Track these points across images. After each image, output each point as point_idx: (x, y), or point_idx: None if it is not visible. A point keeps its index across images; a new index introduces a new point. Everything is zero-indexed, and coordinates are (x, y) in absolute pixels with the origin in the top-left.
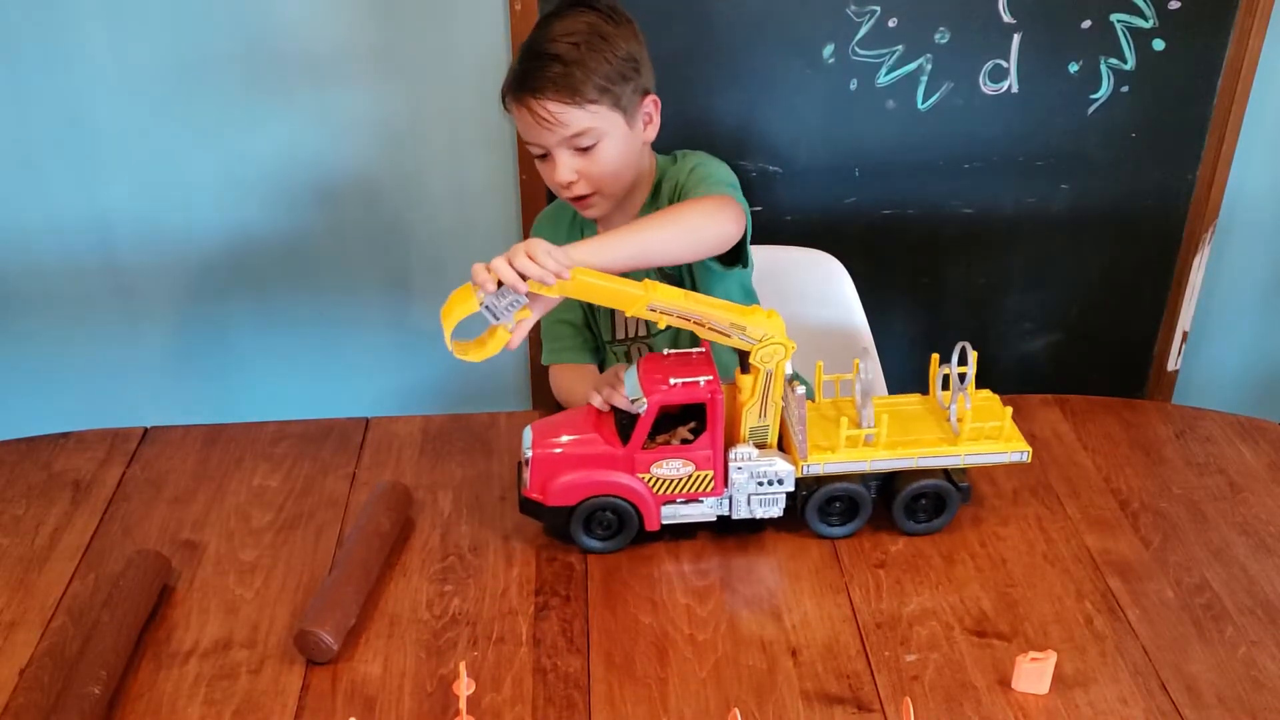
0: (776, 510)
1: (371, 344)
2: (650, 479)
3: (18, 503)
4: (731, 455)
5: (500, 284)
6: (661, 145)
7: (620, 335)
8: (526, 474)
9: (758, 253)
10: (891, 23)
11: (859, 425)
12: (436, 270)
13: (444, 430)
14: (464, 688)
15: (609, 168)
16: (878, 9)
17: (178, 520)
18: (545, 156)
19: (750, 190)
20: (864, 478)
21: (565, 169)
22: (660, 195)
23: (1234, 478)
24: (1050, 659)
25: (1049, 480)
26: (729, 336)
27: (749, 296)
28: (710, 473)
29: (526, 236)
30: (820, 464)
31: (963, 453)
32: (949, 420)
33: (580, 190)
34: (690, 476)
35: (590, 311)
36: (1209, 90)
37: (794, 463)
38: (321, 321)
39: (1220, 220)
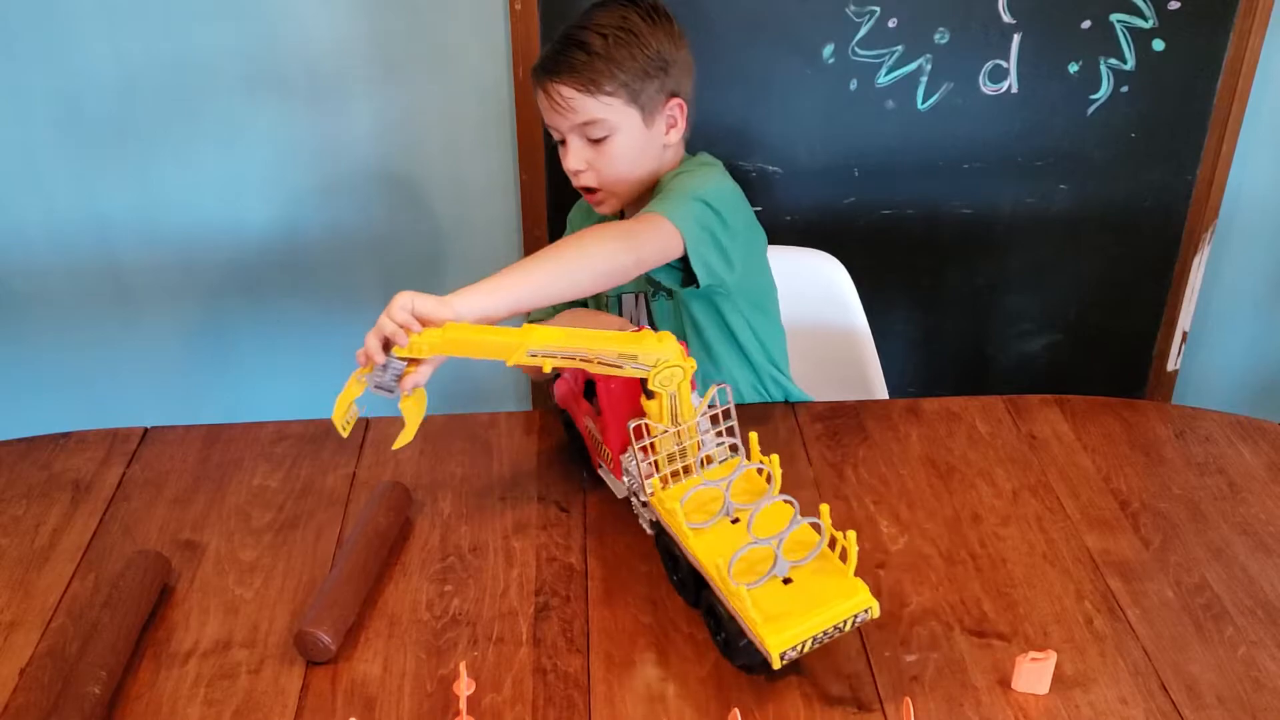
0: (649, 529)
1: None
2: (586, 427)
3: (18, 503)
4: (628, 453)
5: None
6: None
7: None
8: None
9: None
10: (891, 23)
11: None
12: (436, 270)
13: (444, 430)
14: (464, 688)
15: (619, 163)
16: (878, 9)
17: (178, 520)
18: (562, 142)
19: (750, 190)
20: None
21: (575, 157)
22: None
23: (1234, 478)
24: (1050, 659)
25: (1049, 480)
26: (622, 368)
27: (760, 310)
28: (610, 452)
29: (527, 236)
30: (659, 511)
31: (730, 603)
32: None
33: (588, 181)
34: (601, 445)
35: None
36: (1209, 90)
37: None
38: (322, 321)
39: (1220, 220)
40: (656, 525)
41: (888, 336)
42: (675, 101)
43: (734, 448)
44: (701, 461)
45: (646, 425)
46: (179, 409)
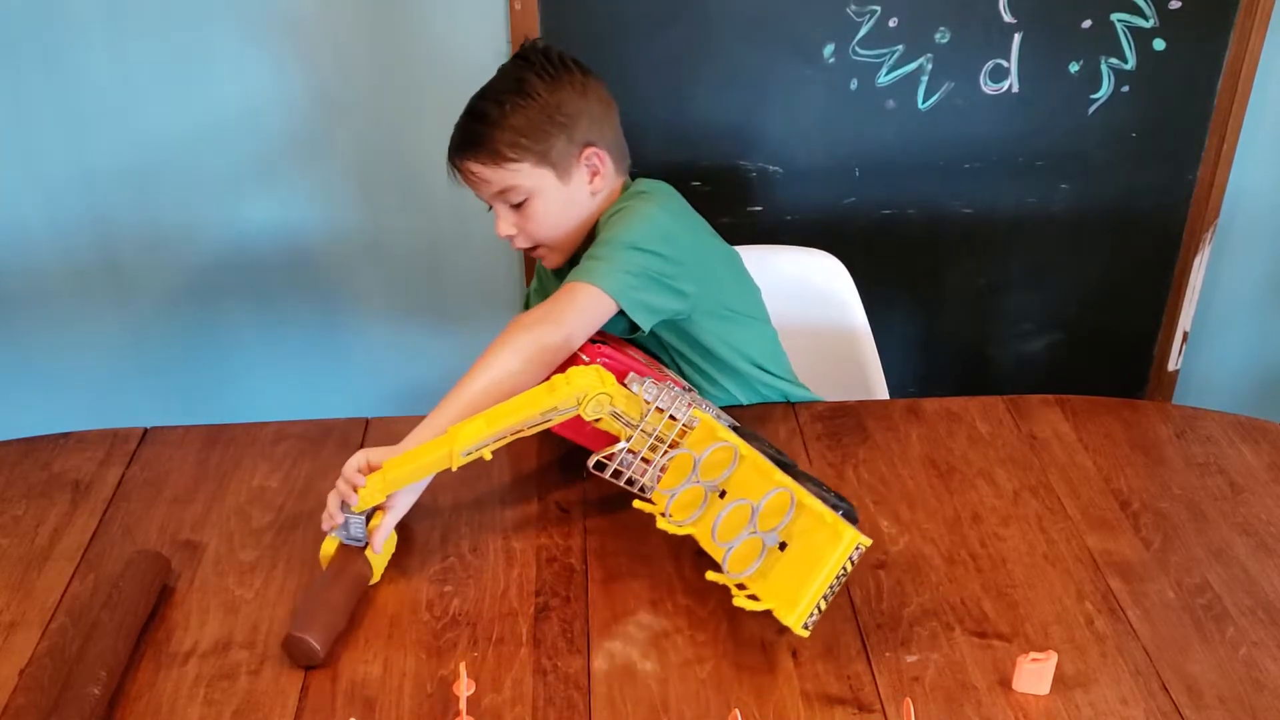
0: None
1: (371, 344)
2: None
3: (17, 503)
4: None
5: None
6: (661, 146)
7: None
8: None
9: (758, 252)
10: (892, 22)
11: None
12: (436, 270)
13: None
14: (464, 688)
15: (545, 223)
16: (878, 9)
17: (178, 520)
18: (491, 209)
19: (750, 190)
20: None
21: (504, 223)
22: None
23: (1234, 478)
24: (1051, 659)
25: (1049, 480)
26: (550, 421)
27: (731, 321)
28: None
29: None
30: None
31: (733, 587)
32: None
33: (521, 244)
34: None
35: None
36: (1209, 90)
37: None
38: (322, 321)
39: (1220, 220)
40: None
41: (888, 336)
42: (590, 151)
43: (687, 389)
44: (680, 432)
45: (609, 456)
46: (179, 409)
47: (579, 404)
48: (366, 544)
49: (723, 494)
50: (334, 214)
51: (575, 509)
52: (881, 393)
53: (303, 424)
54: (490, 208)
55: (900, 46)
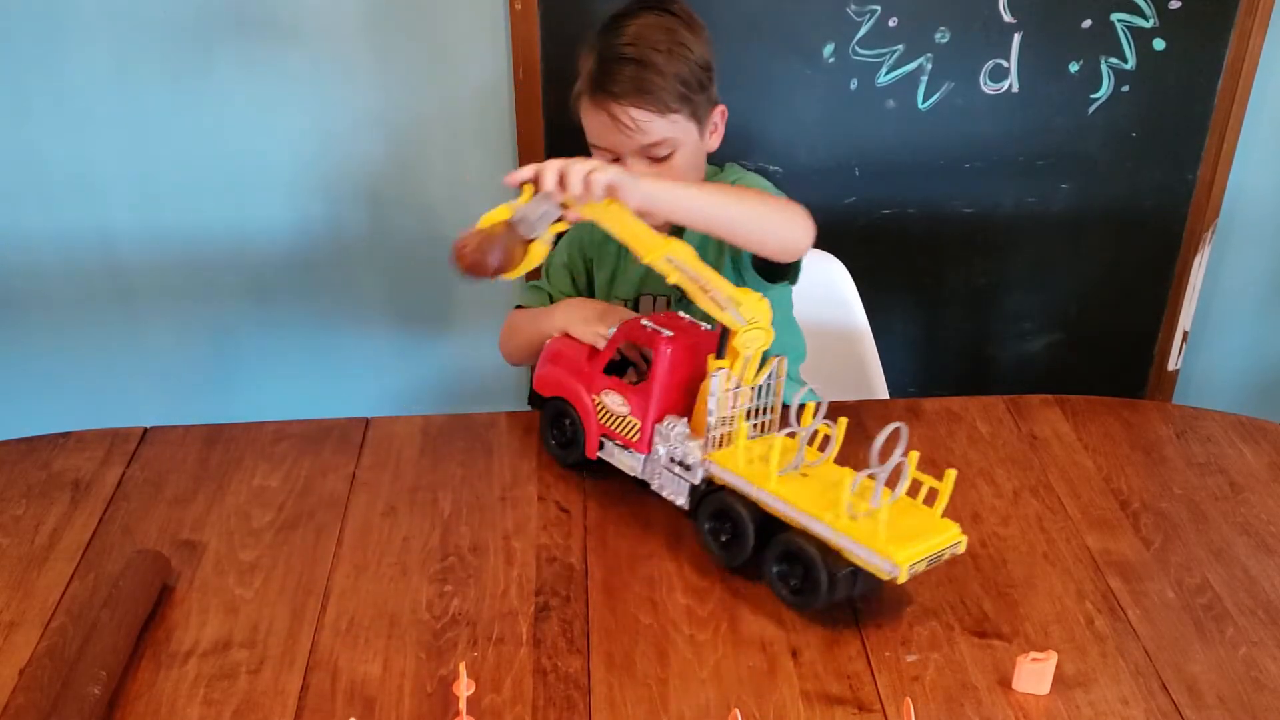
0: (683, 499)
1: (371, 344)
2: (598, 403)
3: (17, 503)
4: (665, 421)
5: (535, 194)
6: None
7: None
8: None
9: None
10: (892, 22)
11: (783, 449)
12: (436, 270)
13: (444, 430)
14: (464, 688)
15: (681, 177)
16: (878, 8)
17: (178, 520)
18: (612, 159)
19: None
20: (749, 506)
21: None
22: None
23: (1235, 478)
24: (1051, 659)
25: (1049, 480)
26: (724, 310)
27: (788, 318)
28: (638, 423)
29: None
30: (719, 467)
31: (838, 531)
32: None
33: None
34: (625, 419)
35: (590, 289)
36: (1209, 90)
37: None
38: (321, 321)
39: (1220, 220)
40: (700, 490)
41: (888, 336)
42: (720, 109)
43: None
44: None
45: (723, 375)
46: (179, 409)
47: (749, 323)
48: (536, 233)
49: (804, 474)
50: (334, 214)
51: (575, 509)
52: (881, 392)
53: (303, 424)
54: (613, 159)
55: (900, 46)
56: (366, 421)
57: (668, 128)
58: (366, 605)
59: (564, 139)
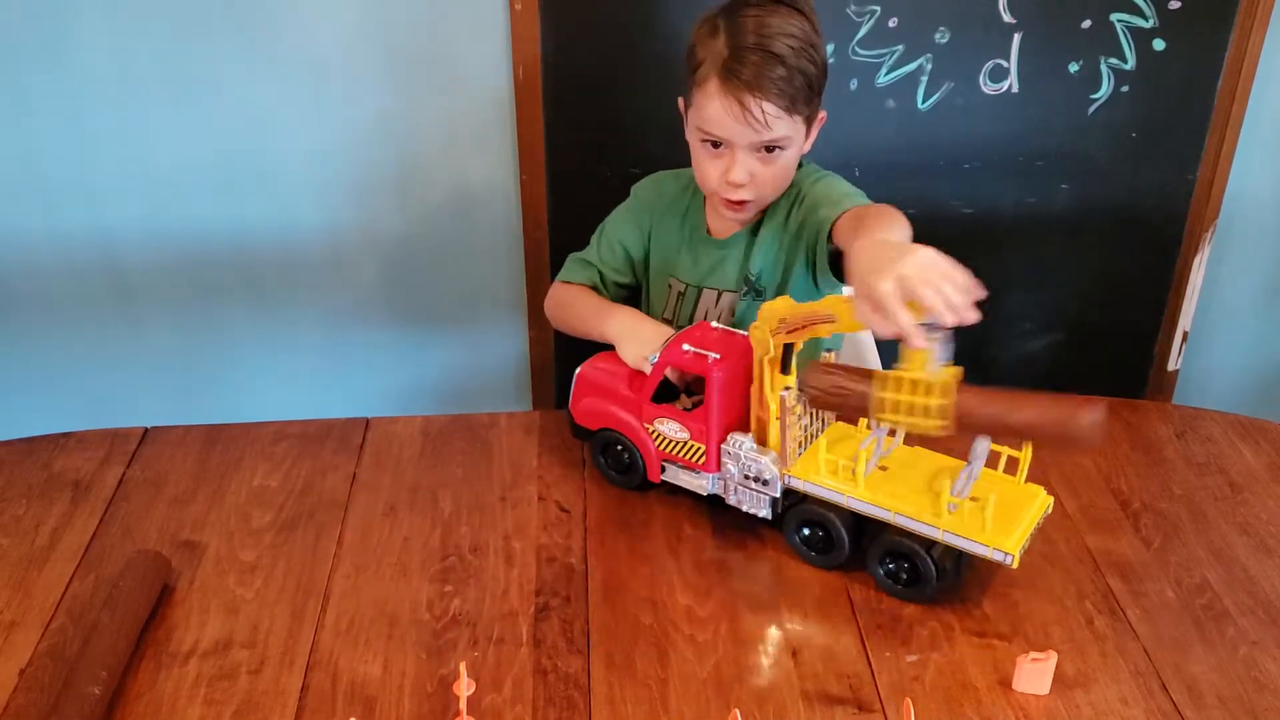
0: (764, 510)
1: (371, 344)
2: (653, 431)
3: (18, 503)
4: (730, 440)
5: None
6: (662, 145)
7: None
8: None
9: None
10: (891, 22)
11: (861, 456)
12: (436, 270)
13: (444, 430)
14: (464, 688)
15: (784, 176)
16: (878, 9)
17: (178, 520)
18: (718, 146)
19: None
20: (840, 512)
21: (742, 170)
22: (786, 202)
23: (1235, 478)
24: (1051, 659)
25: (1049, 480)
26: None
27: None
28: (702, 447)
29: (527, 237)
30: (801, 480)
31: (942, 530)
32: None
33: (744, 194)
34: (686, 443)
35: (646, 296)
36: (1209, 90)
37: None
38: (321, 321)
39: (1220, 220)
40: (784, 501)
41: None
42: (822, 115)
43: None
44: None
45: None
46: (179, 409)
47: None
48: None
49: (883, 469)
50: (334, 214)
51: (575, 509)
52: None
53: (303, 424)
54: (717, 145)
55: (900, 46)
56: (366, 421)
57: (789, 126)
58: (367, 605)
59: (564, 139)
